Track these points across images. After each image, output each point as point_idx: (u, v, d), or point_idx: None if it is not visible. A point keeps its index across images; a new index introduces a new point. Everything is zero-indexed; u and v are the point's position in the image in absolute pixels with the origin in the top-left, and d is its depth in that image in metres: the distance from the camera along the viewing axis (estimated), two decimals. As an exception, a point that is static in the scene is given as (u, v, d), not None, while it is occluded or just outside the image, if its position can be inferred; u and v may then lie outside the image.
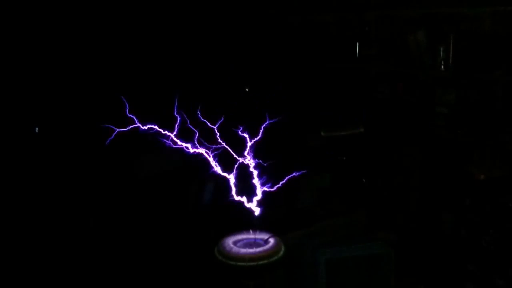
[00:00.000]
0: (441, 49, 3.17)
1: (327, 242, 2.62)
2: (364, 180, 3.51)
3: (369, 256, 2.53)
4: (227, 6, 4.34)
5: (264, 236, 2.35)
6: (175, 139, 2.31)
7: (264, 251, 2.22)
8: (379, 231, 3.07)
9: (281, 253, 2.26)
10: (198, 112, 2.40)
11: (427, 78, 3.40)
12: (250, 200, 2.34)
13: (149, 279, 2.94)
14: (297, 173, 2.36)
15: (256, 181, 2.34)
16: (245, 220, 2.38)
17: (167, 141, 2.31)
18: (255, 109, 3.30)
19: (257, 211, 2.35)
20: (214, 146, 2.32)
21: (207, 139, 2.34)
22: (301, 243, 2.68)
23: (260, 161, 2.36)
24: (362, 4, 3.82)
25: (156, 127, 2.31)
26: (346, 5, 3.95)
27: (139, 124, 2.33)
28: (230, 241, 2.31)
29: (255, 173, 2.34)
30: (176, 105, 2.36)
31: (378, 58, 3.70)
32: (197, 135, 2.32)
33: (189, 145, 2.31)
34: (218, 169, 2.33)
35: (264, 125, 2.38)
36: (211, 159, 2.32)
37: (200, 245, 2.80)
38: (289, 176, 2.34)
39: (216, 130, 2.35)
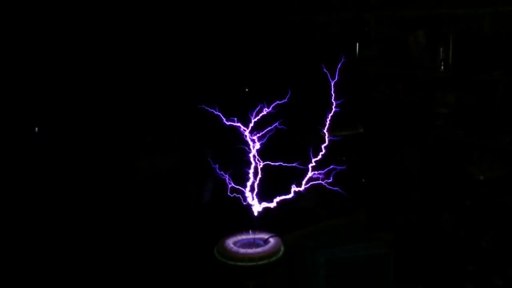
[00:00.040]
0: (441, 49, 3.17)
1: (327, 242, 2.62)
2: (364, 180, 3.51)
3: (368, 256, 2.54)
4: (227, 6, 4.34)
5: (264, 236, 2.35)
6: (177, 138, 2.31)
7: (264, 251, 2.22)
8: (379, 231, 3.08)
9: (281, 253, 2.26)
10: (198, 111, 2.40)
11: (427, 79, 3.40)
12: (250, 200, 2.34)
13: (149, 279, 2.94)
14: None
15: (256, 181, 2.34)
16: (245, 220, 2.38)
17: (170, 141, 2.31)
18: (255, 109, 3.30)
19: (257, 211, 2.35)
20: (213, 146, 2.32)
21: (207, 139, 2.34)
22: (301, 243, 2.68)
23: (260, 161, 2.36)
24: (362, 4, 3.83)
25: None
26: (346, 5, 3.96)
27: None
28: (230, 241, 2.31)
29: (255, 173, 2.35)
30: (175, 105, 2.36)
31: (378, 58, 3.70)
32: (198, 136, 2.32)
33: (189, 146, 2.31)
34: (217, 169, 2.33)
35: (265, 125, 2.38)
36: (211, 159, 2.32)
37: (200, 245, 2.80)
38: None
39: (215, 130, 2.35)
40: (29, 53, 3.68)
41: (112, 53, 3.93)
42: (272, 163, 2.36)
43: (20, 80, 3.65)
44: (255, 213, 2.35)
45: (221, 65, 4.14)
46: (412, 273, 2.95)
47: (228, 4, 4.33)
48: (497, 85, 3.01)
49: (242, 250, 2.22)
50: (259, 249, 2.24)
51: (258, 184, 2.35)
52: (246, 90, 4.15)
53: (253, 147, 2.34)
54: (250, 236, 2.36)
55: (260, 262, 2.17)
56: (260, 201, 2.35)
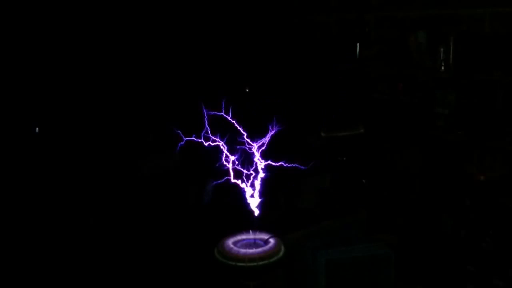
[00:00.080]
0: (441, 50, 3.17)
1: (327, 243, 2.62)
2: (364, 180, 3.51)
3: (369, 257, 2.54)
4: (226, 7, 4.34)
5: (264, 236, 2.35)
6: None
7: (264, 251, 2.22)
8: (379, 231, 3.08)
9: (281, 253, 2.26)
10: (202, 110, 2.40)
11: (427, 79, 3.40)
12: (250, 200, 2.34)
13: (149, 279, 2.94)
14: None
15: (256, 181, 2.34)
16: (245, 221, 2.38)
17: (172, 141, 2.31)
18: (255, 109, 3.30)
19: (256, 211, 2.35)
20: (214, 146, 2.32)
21: (207, 139, 2.34)
22: (301, 244, 2.68)
23: (260, 161, 2.36)
24: (362, 4, 3.83)
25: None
26: (346, 5, 3.96)
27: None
28: (230, 242, 2.31)
29: (255, 173, 2.35)
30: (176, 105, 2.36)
31: (378, 58, 3.70)
32: (200, 135, 2.32)
33: (189, 146, 2.32)
34: (217, 169, 2.33)
35: (267, 124, 2.38)
36: (210, 159, 2.32)
37: (200, 245, 2.80)
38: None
39: (216, 130, 2.35)
40: (30, 54, 3.68)
41: (113, 53, 3.93)
42: (274, 163, 2.35)
43: (21, 80, 3.64)
44: (255, 213, 2.35)
45: (221, 65, 4.14)
46: (412, 274, 2.95)
47: (228, 4, 4.33)
48: (497, 86, 3.01)
49: (242, 251, 2.22)
50: (259, 250, 2.24)
51: (259, 184, 2.35)
52: (247, 90, 4.15)
53: (254, 147, 2.34)
54: (251, 236, 2.36)
55: (260, 263, 2.17)
56: (260, 201, 2.35)
